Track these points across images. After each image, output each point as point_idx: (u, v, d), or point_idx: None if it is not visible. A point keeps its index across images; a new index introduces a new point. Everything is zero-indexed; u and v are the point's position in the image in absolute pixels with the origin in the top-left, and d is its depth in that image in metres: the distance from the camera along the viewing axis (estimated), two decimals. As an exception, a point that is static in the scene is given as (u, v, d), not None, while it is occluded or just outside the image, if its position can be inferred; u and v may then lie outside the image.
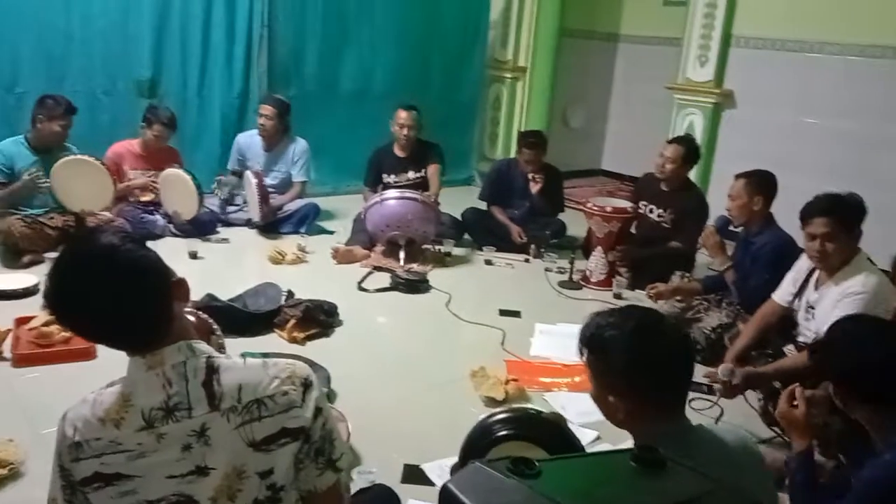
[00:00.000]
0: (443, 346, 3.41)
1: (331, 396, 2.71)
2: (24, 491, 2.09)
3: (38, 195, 4.08)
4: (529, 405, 2.77)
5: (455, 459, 1.96)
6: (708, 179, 5.34)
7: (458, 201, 5.27)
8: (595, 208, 4.25)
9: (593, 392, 1.55)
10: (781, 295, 2.90)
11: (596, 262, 4.29)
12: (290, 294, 3.50)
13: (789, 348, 2.83)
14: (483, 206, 5.05)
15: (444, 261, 4.53)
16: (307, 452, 1.33)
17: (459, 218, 4.95)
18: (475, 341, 3.46)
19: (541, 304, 3.98)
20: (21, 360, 2.87)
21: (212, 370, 1.29)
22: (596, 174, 7.55)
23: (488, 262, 4.63)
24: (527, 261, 4.68)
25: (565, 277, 4.33)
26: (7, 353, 2.90)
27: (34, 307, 3.23)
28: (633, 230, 4.42)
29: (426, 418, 2.72)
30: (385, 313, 3.80)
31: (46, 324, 2.96)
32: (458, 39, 6.59)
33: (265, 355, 1.50)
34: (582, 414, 2.59)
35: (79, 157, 4.11)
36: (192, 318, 2.60)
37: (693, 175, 4.62)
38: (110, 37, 5.01)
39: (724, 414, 2.77)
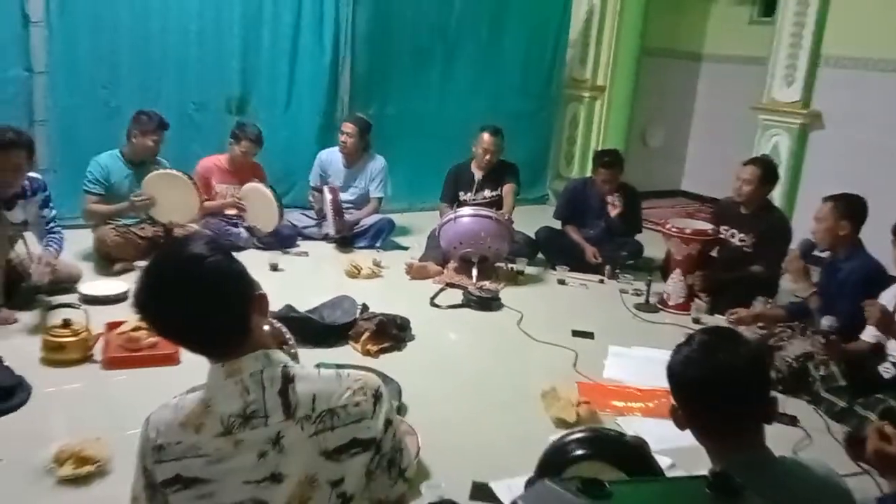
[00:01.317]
0: (513, 365, 3.39)
1: (401, 410, 2.73)
2: (109, 488, 2.16)
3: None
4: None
5: (523, 479, 1.94)
6: (794, 202, 5.16)
7: (532, 220, 5.25)
8: (674, 230, 4.16)
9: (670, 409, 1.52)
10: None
11: (674, 285, 4.18)
12: (365, 307, 3.56)
13: (886, 367, 2.70)
14: (557, 225, 5.01)
15: (516, 279, 4.51)
16: (379, 463, 1.35)
17: (533, 236, 4.92)
18: (546, 361, 3.42)
19: (615, 327, 3.90)
20: (110, 363, 2.99)
21: (287, 379, 1.32)
22: (676, 195, 7.39)
23: (561, 282, 4.58)
24: (601, 281, 4.61)
25: (642, 300, 4.24)
26: (98, 356, 3.03)
27: (124, 313, 3.38)
28: (714, 254, 4.30)
29: (495, 436, 2.70)
30: (457, 330, 3.81)
31: (135, 329, 3.09)
32: (536, 58, 6.60)
33: (339, 366, 1.53)
34: (657, 440, 2.50)
35: (169, 171, 4.31)
36: (265, 327, 2.68)
37: (778, 197, 4.47)
38: (204, 57, 5.25)
39: (808, 446, 2.65)
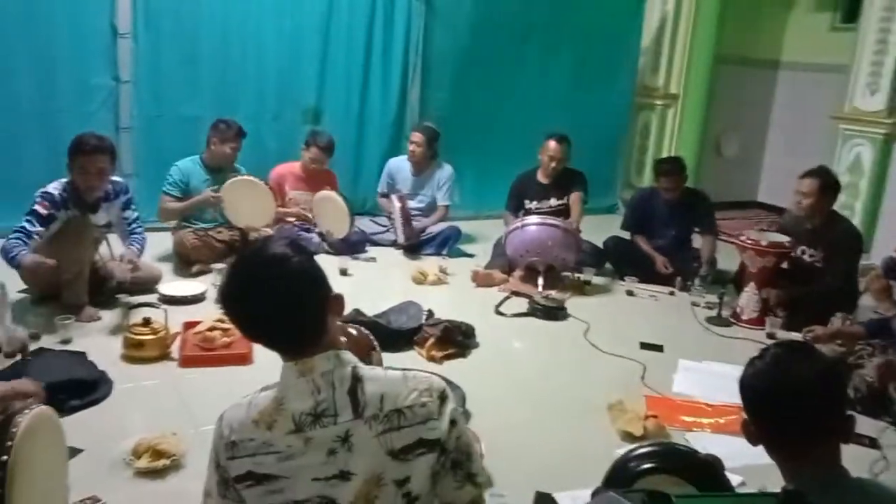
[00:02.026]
0: (579, 376, 3.35)
1: (465, 416, 2.73)
2: (183, 482, 2.23)
3: (208, 210, 4.45)
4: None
5: (588, 492, 1.92)
6: (876, 215, 4.94)
7: (600, 229, 5.18)
8: (749, 241, 4.03)
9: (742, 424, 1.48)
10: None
11: (748, 299, 4.06)
12: (431, 313, 3.58)
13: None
14: (627, 235, 4.94)
15: (583, 289, 4.46)
16: (443, 464, 1.36)
17: (601, 246, 4.86)
18: (613, 373, 3.37)
19: (686, 340, 3.81)
20: (187, 361, 3.09)
21: (357, 379, 1.34)
22: (751, 206, 7.18)
23: (630, 293, 4.51)
24: (672, 293, 4.51)
25: (714, 313, 4.13)
26: (175, 354, 3.14)
27: (201, 313, 3.52)
28: (784, 265, 4.15)
29: (560, 447, 2.67)
30: (521, 338, 3.80)
31: (211, 329, 3.21)
32: (607, 66, 6.53)
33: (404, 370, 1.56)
34: (727, 457, 2.43)
35: (246, 177, 4.44)
36: (353, 332, 2.74)
37: (860, 210, 4.29)
38: (281, 68, 5.41)
39: (886, 469, 2.53)
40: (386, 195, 5.25)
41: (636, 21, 6.54)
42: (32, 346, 3.04)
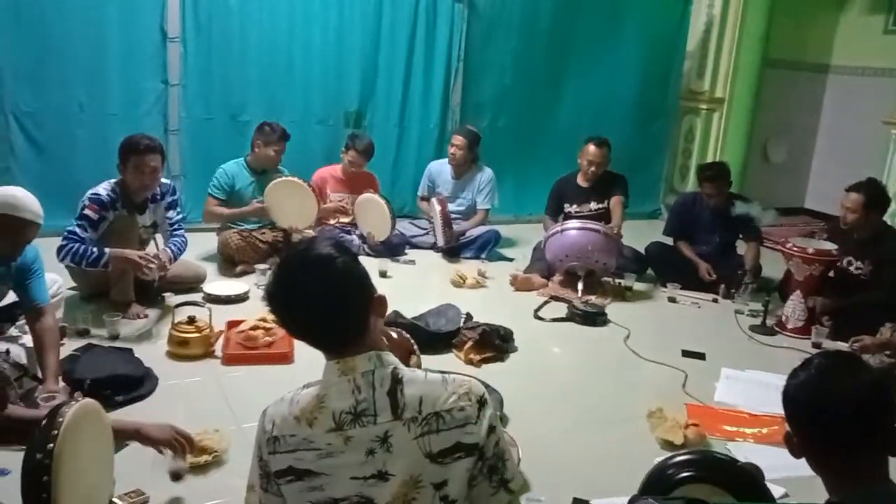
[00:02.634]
0: (619, 383, 3.32)
1: (503, 421, 2.73)
2: (225, 478, 2.27)
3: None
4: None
5: (625, 499, 1.90)
6: (927, 226, 4.78)
7: (642, 234, 5.13)
8: (795, 249, 3.95)
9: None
10: None
11: (794, 308, 3.97)
12: (469, 317, 3.59)
13: None
14: (669, 240, 4.87)
15: (624, 295, 4.42)
16: (480, 469, 1.37)
17: (643, 252, 4.81)
18: (654, 381, 3.33)
19: (729, 348, 3.75)
20: (230, 360, 3.15)
21: (396, 381, 1.36)
22: (798, 213, 7.02)
23: (672, 300, 4.45)
24: (715, 301, 4.44)
25: (758, 321, 4.05)
26: (218, 352, 3.20)
27: (244, 312, 3.58)
28: (831, 274, 4.05)
29: (598, 454, 2.65)
30: (560, 344, 3.78)
31: (253, 328, 3.26)
32: (651, 69, 6.47)
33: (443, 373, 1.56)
34: (769, 468, 2.39)
35: (289, 178, 4.50)
36: (393, 335, 2.76)
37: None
38: (325, 72, 5.48)
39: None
40: (426, 198, 5.28)
41: (682, 24, 6.46)
42: (82, 342, 3.14)
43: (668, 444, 2.65)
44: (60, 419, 1.67)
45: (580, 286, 4.25)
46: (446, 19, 5.75)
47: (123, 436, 2.12)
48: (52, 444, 1.61)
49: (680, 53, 6.52)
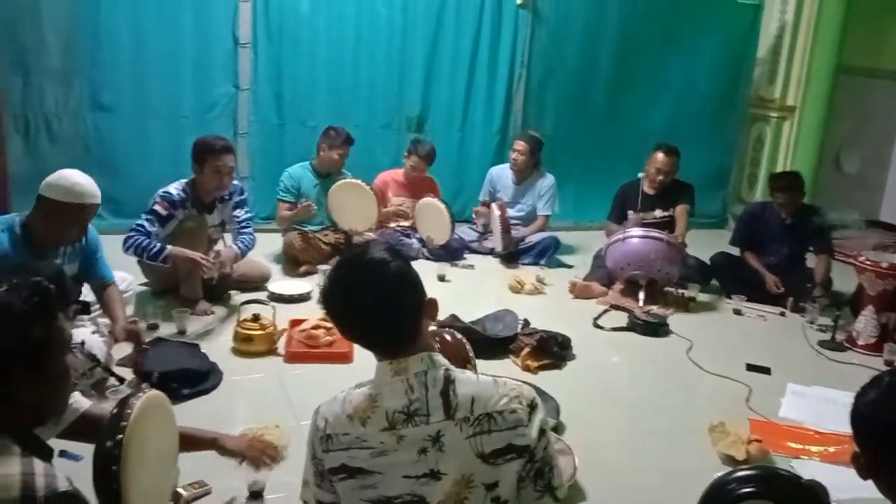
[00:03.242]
0: (679, 395, 3.25)
1: (559, 428, 2.71)
2: (284, 473, 2.28)
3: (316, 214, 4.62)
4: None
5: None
6: None
7: (707, 244, 5.02)
8: (868, 263, 3.80)
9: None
10: None
11: (865, 323, 3.82)
12: (527, 323, 3.58)
13: None
14: (735, 251, 4.75)
15: (687, 305, 4.33)
16: (528, 472, 1.37)
17: (708, 262, 4.71)
18: (716, 394, 3.25)
19: (795, 363, 3.63)
20: (291, 357, 3.22)
21: (449, 381, 1.37)
22: (873, 225, 6.75)
23: (737, 312, 4.33)
24: (782, 314, 4.31)
25: (827, 337, 3.91)
26: (281, 350, 3.28)
27: (306, 311, 3.66)
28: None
29: (655, 466, 2.61)
30: (619, 353, 3.72)
31: (315, 327, 3.33)
32: (719, 75, 6.34)
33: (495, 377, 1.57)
34: (835, 488, 2.31)
35: (351, 181, 4.58)
36: (448, 338, 2.75)
37: None
38: (389, 79, 5.57)
39: None
40: (487, 203, 5.28)
41: (752, 29, 6.30)
42: (151, 337, 3.26)
43: (729, 459, 2.59)
44: (129, 410, 1.71)
45: (641, 295, 4.18)
46: (510, 25, 5.76)
47: (201, 445, 2.12)
48: (121, 435, 1.66)
49: (750, 60, 6.37)
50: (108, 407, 1.98)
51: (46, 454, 1.41)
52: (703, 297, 4.46)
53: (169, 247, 3.48)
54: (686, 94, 6.29)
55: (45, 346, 1.36)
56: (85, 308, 3.05)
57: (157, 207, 3.58)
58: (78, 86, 4.83)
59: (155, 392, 1.89)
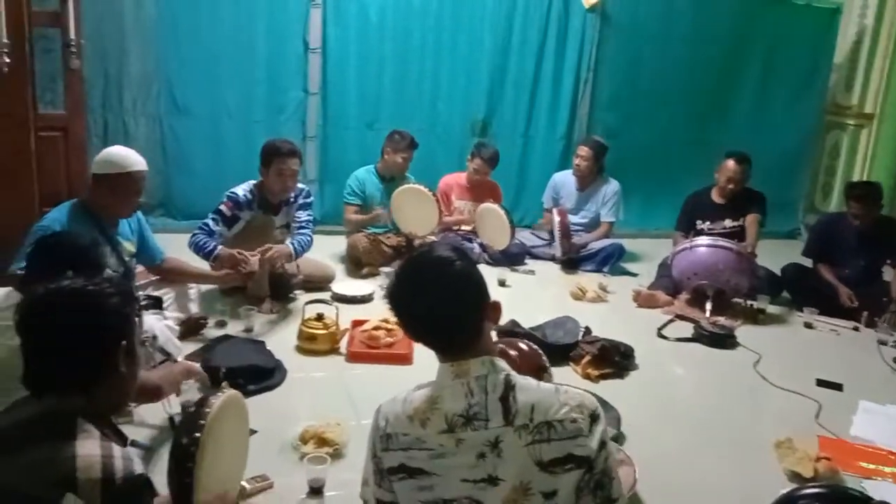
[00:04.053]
0: (745, 409, 3.16)
1: (619, 439, 2.68)
2: (343, 471, 2.33)
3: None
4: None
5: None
6: None
7: (778, 255, 4.88)
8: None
9: None
10: None
11: (947, 341, 3.65)
12: (588, 330, 3.54)
13: None
14: (807, 262, 4.60)
15: (756, 317, 4.21)
16: (587, 483, 1.36)
17: (778, 273, 4.56)
18: (784, 409, 3.15)
19: (869, 380, 3.49)
20: (353, 357, 3.27)
21: (509, 387, 1.37)
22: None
23: (808, 325, 4.19)
24: (856, 329, 4.15)
25: (904, 354, 3.76)
26: (343, 349, 3.33)
27: (368, 312, 3.71)
28: None
29: (718, 481, 2.54)
30: (684, 364, 3.64)
31: (376, 328, 3.38)
32: (794, 81, 6.16)
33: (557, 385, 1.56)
34: (910, 513, 2.22)
35: (414, 185, 4.63)
36: (524, 347, 2.75)
37: None
38: (453, 83, 5.61)
39: None
40: (550, 209, 5.25)
41: (829, 34, 6.09)
42: (219, 333, 3.36)
43: (796, 477, 2.51)
44: (207, 410, 1.79)
45: (708, 306, 4.09)
46: (577, 29, 5.73)
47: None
48: (198, 434, 1.73)
49: (826, 65, 6.17)
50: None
51: (122, 440, 1.49)
52: (772, 310, 4.32)
53: (220, 248, 3.54)
54: (759, 101, 6.13)
55: (133, 332, 1.48)
56: (157, 303, 3.18)
57: (222, 207, 3.69)
58: (156, 88, 5.03)
59: (232, 392, 1.96)
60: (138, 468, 1.36)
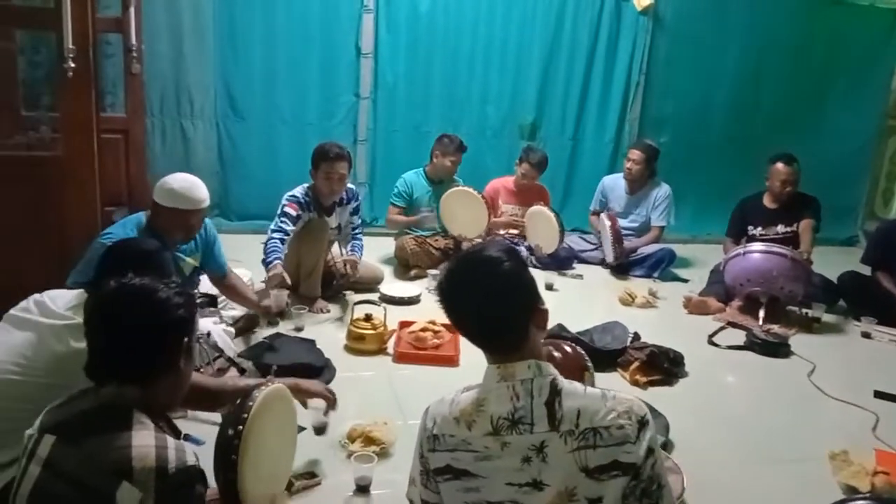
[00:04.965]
0: (798, 419, 3.08)
1: (667, 446, 2.64)
2: (390, 470, 2.35)
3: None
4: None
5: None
6: None
7: (835, 262, 4.74)
8: None
9: None
10: None
11: None
12: (637, 336, 3.50)
13: None
14: (866, 270, 4.46)
15: (810, 326, 4.10)
16: (633, 490, 1.35)
17: (835, 281, 4.44)
18: (839, 421, 3.06)
19: (931, 393, 3.37)
20: (400, 358, 3.30)
21: (555, 392, 1.37)
22: None
23: (866, 335, 4.06)
24: (918, 340, 4.01)
25: (969, 366, 3.61)
26: (390, 350, 3.37)
27: (415, 314, 3.74)
28: None
29: (769, 492, 2.49)
30: (735, 373, 3.57)
31: (423, 330, 3.40)
32: (852, 84, 6.00)
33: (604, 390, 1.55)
34: (973, 532, 2.14)
35: (463, 188, 4.65)
36: (567, 349, 2.76)
37: None
38: (502, 86, 5.62)
39: None
40: (598, 213, 5.21)
41: (891, 36, 5.91)
42: (271, 331, 3.44)
43: (851, 491, 2.44)
44: (251, 403, 1.80)
45: (761, 313, 4.00)
46: (629, 32, 5.68)
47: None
48: (241, 426, 1.75)
49: (887, 67, 5.99)
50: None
51: (176, 433, 1.54)
52: (828, 318, 4.21)
53: (278, 262, 3.53)
54: (817, 104, 5.99)
55: (194, 332, 1.54)
56: (212, 301, 3.27)
57: (288, 209, 3.76)
58: (213, 93, 5.16)
59: (277, 385, 1.97)
60: (191, 459, 1.41)
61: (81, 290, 2.04)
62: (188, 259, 3.12)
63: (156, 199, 2.87)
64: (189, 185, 2.88)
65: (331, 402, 2.30)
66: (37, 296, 2.00)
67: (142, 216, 2.96)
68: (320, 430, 2.42)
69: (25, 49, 4.47)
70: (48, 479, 1.36)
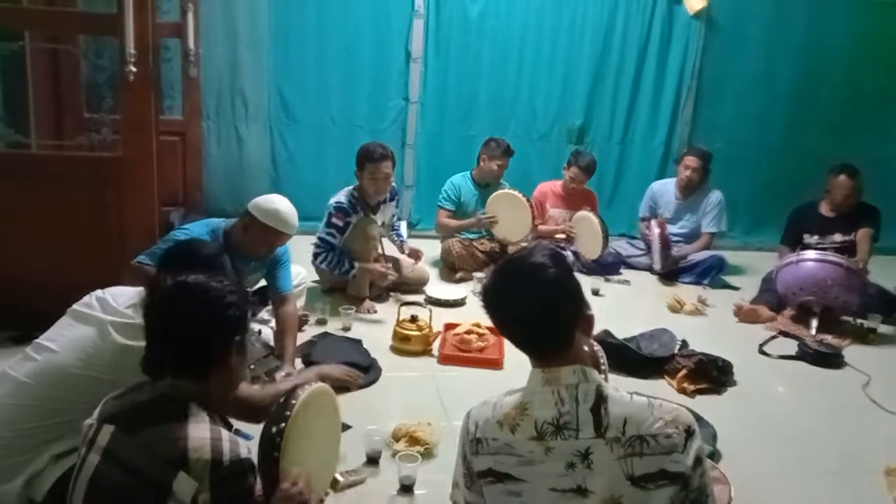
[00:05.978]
0: (852, 433, 3.00)
1: (714, 456, 2.60)
2: (433, 471, 2.37)
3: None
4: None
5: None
6: None
7: (893, 272, 4.59)
8: None
9: None
10: None
11: None
12: (685, 344, 3.46)
13: None
14: (926, 281, 4.32)
15: (866, 337, 3.99)
16: (682, 501, 1.33)
17: (892, 291, 4.31)
18: (894, 435, 2.97)
19: None
20: (445, 359, 3.32)
21: (601, 398, 1.37)
22: None
23: (925, 348, 3.94)
24: (980, 354, 3.87)
25: None
26: (435, 351, 3.39)
27: (460, 316, 3.76)
28: None
29: (820, 506, 2.44)
30: (786, 383, 3.49)
31: (468, 332, 3.42)
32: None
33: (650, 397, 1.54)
34: None
35: (509, 191, 4.64)
36: (584, 348, 2.73)
37: None
38: (550, 89, 5.60)
39: None
40: (647, 219, 5.15)
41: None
42: (319, 330, 3.49)
43: (907, 508, 2.37)
44: (294, 401, 1.84)
45: (814, 323, 3.92)
46: (681, 35, 5.60)
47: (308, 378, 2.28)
48: (284, 424, 1.78)
49: (957, 71, 5.77)
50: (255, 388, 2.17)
51: (228, 427, 1.59)
52: (884, 330, 4.09)
53: (357, 265, 3.78)
54: (878, 110, 5.80)
55: (247, 330, 1.58)
56: (263, 300, 3.34)
57: (334, 220, 3.83)
58: (266, 97, 5.27)
59: (321, 384, 2.01)
60: (244, 452, 1.45)
61: (141, 289, 2.11)
62: (250, 277, 3.17)
63: (254, 213, 2.94)
64: (292, 212, 3.00)
65: (352, 383, 2.52)
66: (99, 292, 2.07)
67: (220, 222, 3.03)
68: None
69: (88, 53, 4.65)
70: (107, 468, 1.41)
